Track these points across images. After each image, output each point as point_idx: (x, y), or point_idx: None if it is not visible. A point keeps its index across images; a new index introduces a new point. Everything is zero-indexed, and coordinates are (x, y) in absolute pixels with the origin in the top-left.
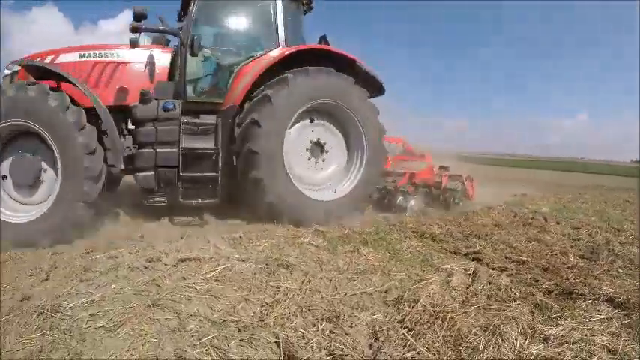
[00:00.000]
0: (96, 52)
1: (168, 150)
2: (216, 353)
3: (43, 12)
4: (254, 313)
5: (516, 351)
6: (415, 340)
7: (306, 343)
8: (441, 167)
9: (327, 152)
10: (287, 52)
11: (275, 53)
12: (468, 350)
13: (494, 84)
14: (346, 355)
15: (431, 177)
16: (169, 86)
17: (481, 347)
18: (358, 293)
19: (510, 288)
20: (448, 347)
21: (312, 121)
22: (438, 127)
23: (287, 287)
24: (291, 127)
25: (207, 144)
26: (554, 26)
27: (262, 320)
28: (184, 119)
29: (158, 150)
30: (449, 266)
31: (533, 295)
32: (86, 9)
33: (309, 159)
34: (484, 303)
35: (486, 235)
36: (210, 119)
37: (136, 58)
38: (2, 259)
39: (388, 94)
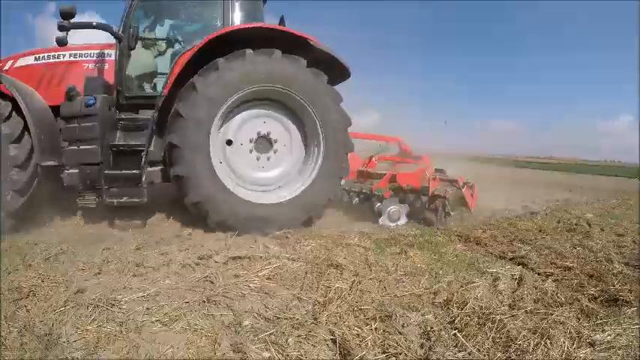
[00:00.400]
0: (49, 54)
1: (89, 147)
2: (275, 349)
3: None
4: (306, 311)
5: (564, 354)
6: (466, 341)
7: (361, 342)
8: (437, 170)
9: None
10: (216, 35)
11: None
12: (517, 352)
13: (544, 85)
14: (400, 354)
15: (416, 180)
16: (101, 82)
17: (530, 349)
18: (407, 294)
19: (556, 293)
20: (497, 349)
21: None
22: (485, 128)
23: (338, 287)
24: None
25: (136, 140)
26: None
27: (315, 319)
28: (122, 115)
29: (80, 147)
30: (495, 270)
31: (579, 300)
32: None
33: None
34: (531, 307)
35: (530, 240)
36: (148, 114)
37: (88, 57)
38: (55, 253)
39: (425, 93)
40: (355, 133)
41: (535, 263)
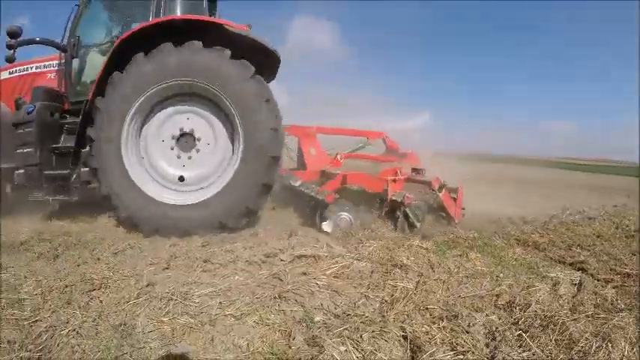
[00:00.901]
0: (20, 67)
1: (29, 150)
2: (351, 343)
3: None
4: (374, 309)
5: (624, 358)
6: (530, 342)
7: (430, 339)
8: (414, 170)
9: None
10: (125, 36)
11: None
12: (580, 354)
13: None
14: (467, 352)
15: (369, 182)
16: (44, 90)
17: (592, 352)
18: (470, 296)
19: (616, 299)
20: (560, 350)
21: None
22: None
23: (404, 286)
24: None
25: (68, 142)
26: None
27: (383, 316)
28: (69, 119)
29: (24, 150)
30: (554, 275)
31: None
32: None
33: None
34: (592, 312)
35: (589, 246)
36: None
37: (51, 67)
38: (122, 248)
39: (476, 95)
40: (335, 128)
41: (594, 269)
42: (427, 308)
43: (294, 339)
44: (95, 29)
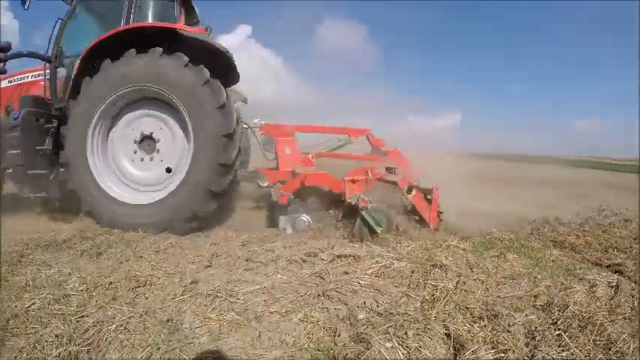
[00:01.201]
0: (18, 76)
1: (15, 152)
2: (397, 340)
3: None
4: (415, 308)
5: None
6: (570, 342)
7: (472, 337)
8: (387, 169)
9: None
10: (92, 45)
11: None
12: (617, 354)
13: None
14: (508, 350)
15: (329, 181)
16: (32, 98)
17: (630, 352)
18: (509, 296)
19: None
20: (598, 350)
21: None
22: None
23: (444, 286)
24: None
25: (47, 145)
26: None
27: (425, 315)
28: (54, 124)
29: (12, 152)
30: (591, 277)
31: None
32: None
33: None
34: (629, 314)
35: (626, 249)
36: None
37: (42, 77)
38: (164, 247)
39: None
40: (313, 126)
41: (631, 271)
42: (467, 308)
43: (339, 336)
44: (76, 40)
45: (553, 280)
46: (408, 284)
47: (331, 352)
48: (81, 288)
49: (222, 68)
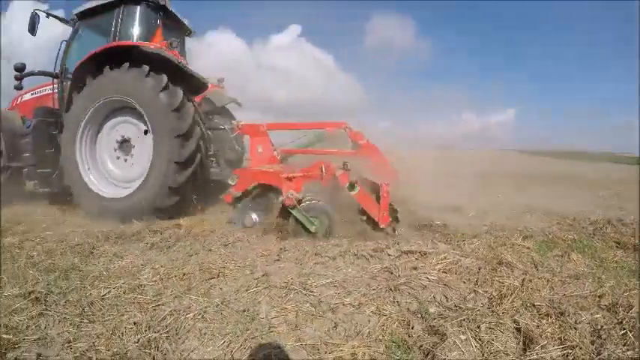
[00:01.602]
0: (38, 90)
1: (28, 154)
2: (471, 333)
3: (218, 35)
4: (483, 303)
5: None
6: (635, 341)
7: (541, 333)
8: (344, 164)
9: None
10: (81, 61)
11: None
12: None
13: None
14: (575, 347)
15: (276, 180)
16: (44, 110)
17: None
18: (574, 295)
19: None
20: None
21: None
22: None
23: (510, 284)
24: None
25: (54, 148)
26: None
27: (492, 311)
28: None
29: (26, 154)
30: None
31: None
32: (256, 27)
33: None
34: None
35: None
36: None
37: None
38: (232, 240)
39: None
40: (287, 123)
41: None
42: (534, 305)
43: (412, 328)
44: (78, 58)
45: (617, 281)
46: (476, 280)
47: (405, 343)
48: (154, 278)
49: (184, 77)
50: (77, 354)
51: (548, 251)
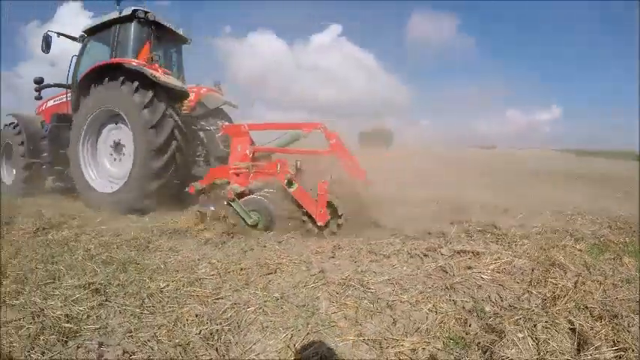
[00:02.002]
0: (59, 97)
1: (46, 154)
2: (527, 331)
3: (259, 35)
4: (537, 304)
5: None
6: None
7: (595, 334)
8: (297, 163)
9: (124, 152)
10: (88, 71)
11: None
12: None
13: None
14: (628, 349)
15: (228, 176)
16: (60, 115)
17: None
18: (627, 299)
19: None
20: None
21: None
22: None
23: (563, 285)
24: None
25: (66, 148)
26: None
27: (546, 311)
28: None
29: (44, 154)
30: None
31: None
32: (295, 28)
33: (112, 156)
34: None
35: None
36: None
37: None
38: (286, 238)
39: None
40: (267, 124)
41: None
42: (587, 307)
43: (470, 326)
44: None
45: None
46: (529, 281)
47: (463, 340)
48: (212, 273)
49: (162, 87)
50: (139, 343)
51: (600, 254)
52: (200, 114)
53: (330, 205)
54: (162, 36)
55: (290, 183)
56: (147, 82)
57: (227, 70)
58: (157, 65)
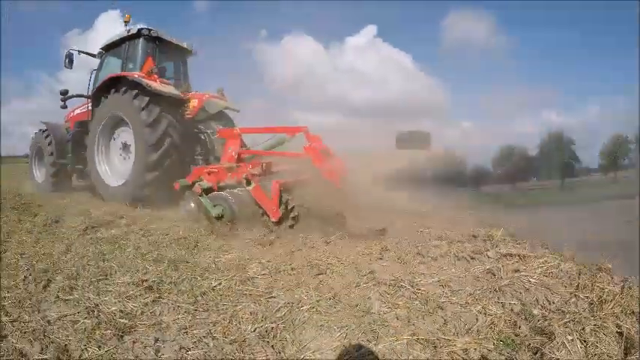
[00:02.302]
0: (82, 106)
1: (70, 154)
2: (576, 334)
3: (294, 38)
4: (584, 308)
5: None
6: None
7: None
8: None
9: (131, 151)
10: (100, 83)
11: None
12: None
13: None
14: None
15: (203, 174)
16: (80, 122)
17: None
18: None
19: None
20: None
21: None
22: None
23: (610, 290)
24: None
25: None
26: None
27: (593, 316)
28: None
29: (68, 155)
30: None
31: None
32: (330, 30)
33: (121, 155)
34: None
35: None
36: None
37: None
38: (333, 239)
39: None
40: (257, 128)
41: None
42: (633, 312)
43: (519, 328)
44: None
45: None
46: (577, 285)
47: (514, 341)
48: (263, 272)
49: (159, 95)
50: (194, 340)
51: None
52: (202, 118)
53: (282, 202)
54: (168, 49)
55: (248, 182)
56: (145, 90)
57: (264, 73)
58: (155, 76)
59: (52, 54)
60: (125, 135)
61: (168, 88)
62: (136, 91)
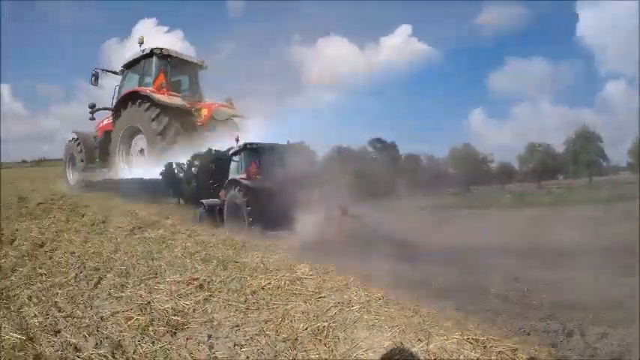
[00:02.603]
0: (108, 118)
1: (97, 160)
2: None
3: (329, 40)
4: None
5: None
6: None
7: None
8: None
9: (146, 154)
10: (120, 97)
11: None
12: None
13: None
14: None
15: None
16: (106, 132)
17: None
18: None
19: None
20: None
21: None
22: None
23: None
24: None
25: None
26: None
27: None
28: None
29: (96, 160)
30: None
31: None
32: (366, 29)
33: (140, 159)
34: None
35: None
36: None
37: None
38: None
39: None
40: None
41: None
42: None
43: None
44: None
45: None
46: None
47: None
48: (311, 273)
49: (168, 106)
50: (247, 337)
51: None
52: (211, 125)
53: None
54: (179, 65)
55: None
56: (156, 103)
57: (300, 75)
58: (164, 90)
59: (91, 62)
60: (141, 142)
61: (174, 100)
62: (148, 104)
